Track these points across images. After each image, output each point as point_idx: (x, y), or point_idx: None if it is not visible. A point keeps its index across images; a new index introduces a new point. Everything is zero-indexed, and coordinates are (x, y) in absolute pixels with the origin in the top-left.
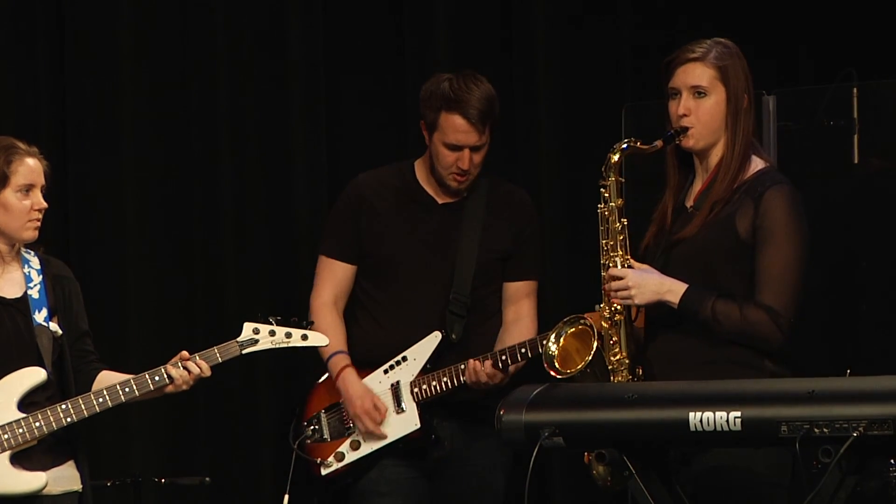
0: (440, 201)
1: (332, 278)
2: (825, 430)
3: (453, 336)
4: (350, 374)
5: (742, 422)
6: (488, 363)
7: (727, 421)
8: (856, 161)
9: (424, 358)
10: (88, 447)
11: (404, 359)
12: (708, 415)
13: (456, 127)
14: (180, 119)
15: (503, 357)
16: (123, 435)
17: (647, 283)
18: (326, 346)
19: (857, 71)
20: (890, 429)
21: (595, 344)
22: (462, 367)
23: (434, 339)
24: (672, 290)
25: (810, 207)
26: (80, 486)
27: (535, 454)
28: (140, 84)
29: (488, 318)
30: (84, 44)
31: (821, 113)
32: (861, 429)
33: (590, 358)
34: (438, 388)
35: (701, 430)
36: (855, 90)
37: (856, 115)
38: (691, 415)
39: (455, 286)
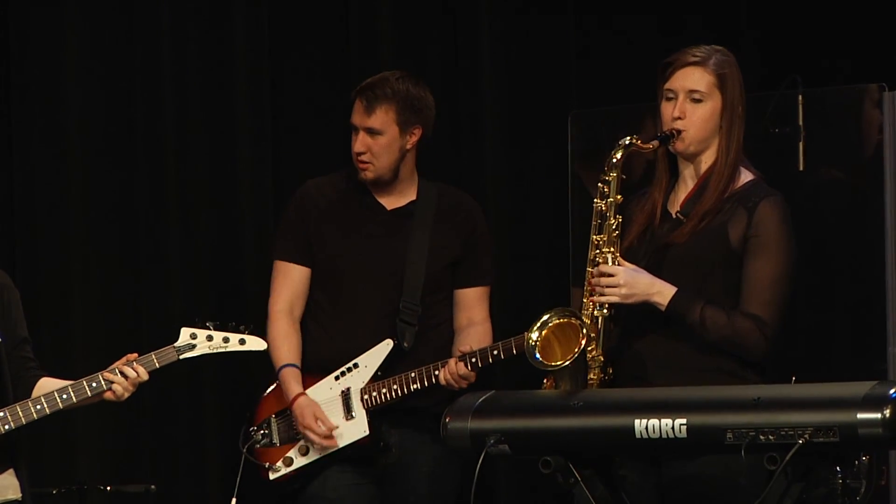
0: (389, 207)
1: (288, 282)
2: (771, 437)
3: (405, 344)
4: (295, 389)
5: (688, 429)
6: (461, 364)
7: (672, 428)
8: (801, 168)
9: (376, 365)
10: (33, 455)
11: (355, 365)
12: (653, 422)
13: (355, 109)
14: (125, 122)
15: (472, 359)
16: (68, 442)
17: (639, 283)
18: (271, 352)
19: (801, 78)
20: (835, 436)
21: (582, 342)
22: (413, 374)
23: (386, 346)
24: (661, 291)
25: None
26: (20, 495)
27: (480, 461)
28: (84, 85)
29: (437, 326)
30: (29, 43)
31: (766, 120)
32: (807, 436)
33: (574, 356)
34: (389, 395)
35: (646, 437)
36: (800, 97)
37: (801, 122)
38: (637, 422)
39: (405, 294)
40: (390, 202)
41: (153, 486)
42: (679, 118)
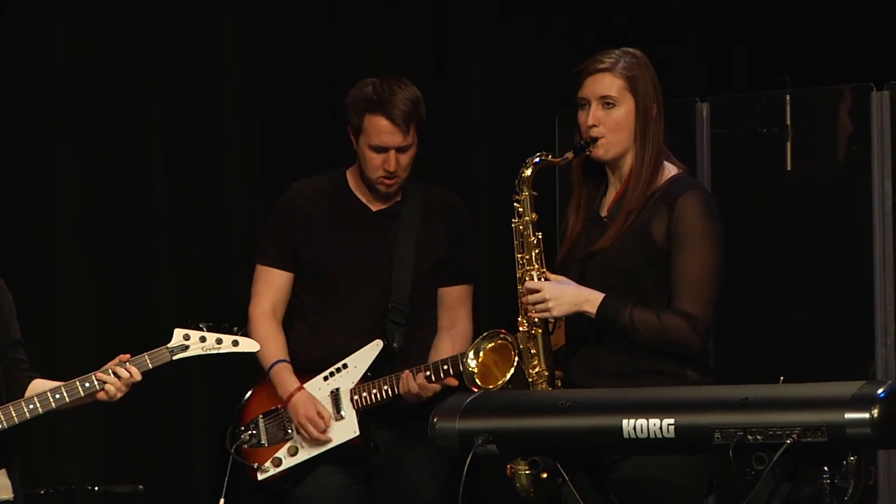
0: (374, 209)
1: (270, 287)
2: (759, 437)
3: (394, 345)
4: (293, 382)
5: (675, 429)
6: (420, 375)
7: (661, 428)
8: (789, 168)
9: (365, 366)
10: (22, 455)
11: (345, 366)
12: (641, 422)
13: (380, 128)
14: (114, 126)
15: (427, 373)
16: (57, 443)
17: (565, 295)
18: (258, 351)
19: (789, 78)
20: (823, 436)
21: (515, 359)
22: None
23: (375, 347)
24: (589, 300)
25: (744, 214)
26: (12, 495)
27: (468, 461)
28: (74, 92)
29: (426, 326)
30: (17, 41)
31: (754, 120)
32: (795, 436)
33: (511, 373)
34: (378, 396)
35: (634, 437)
36: (788, 97)
37: (789, 122)
38: (625, 422)
39: (393, 294)
40: (376, 204)
41: (141, 487)
42: (594, 125)
